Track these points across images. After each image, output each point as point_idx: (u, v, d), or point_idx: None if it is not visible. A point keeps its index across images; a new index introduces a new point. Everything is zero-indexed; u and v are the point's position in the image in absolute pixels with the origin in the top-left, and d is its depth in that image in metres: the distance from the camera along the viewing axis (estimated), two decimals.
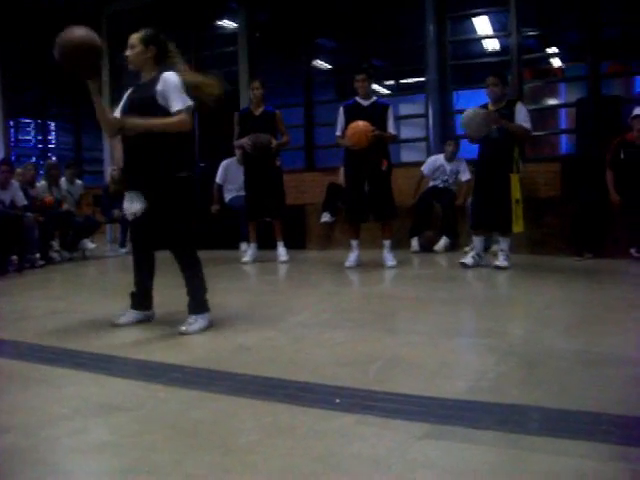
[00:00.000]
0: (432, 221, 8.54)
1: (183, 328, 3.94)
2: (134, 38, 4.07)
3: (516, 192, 6.36)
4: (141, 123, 3.92)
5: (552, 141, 11.46)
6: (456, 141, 8.81)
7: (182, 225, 4.05)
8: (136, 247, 4.37)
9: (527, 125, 6.36)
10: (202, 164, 9.98)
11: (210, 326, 4.04)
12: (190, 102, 3.96)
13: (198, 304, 4.06)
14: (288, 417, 2.48)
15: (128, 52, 4.08)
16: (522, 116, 6.34)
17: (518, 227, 6.40)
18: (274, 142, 7.38)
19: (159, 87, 3.93)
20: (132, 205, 4.02)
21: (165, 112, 3.92)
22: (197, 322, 3.99)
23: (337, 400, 2.62)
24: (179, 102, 3.91)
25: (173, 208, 3.99)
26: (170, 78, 3.95)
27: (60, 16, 12.24)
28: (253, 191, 7.60)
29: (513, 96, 8.00)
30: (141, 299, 4.34)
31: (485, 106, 6.52)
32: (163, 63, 4.08)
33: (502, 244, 6.51)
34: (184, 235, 4.07)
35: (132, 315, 4.32)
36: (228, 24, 12.12)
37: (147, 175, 3.99)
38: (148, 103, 3.95)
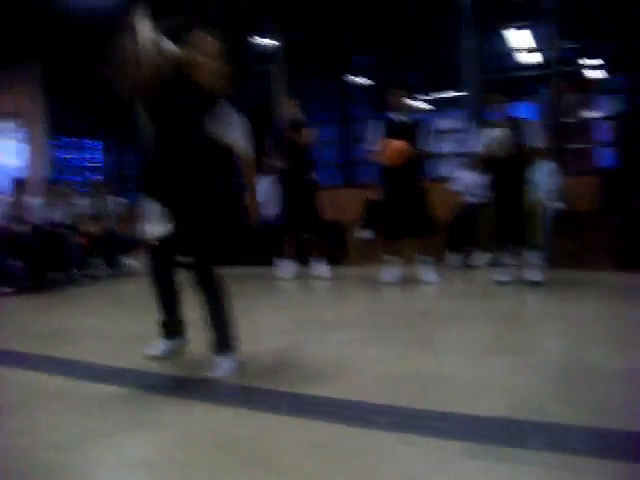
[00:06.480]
0: (471, 236, 8.47)
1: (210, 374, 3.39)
2: None
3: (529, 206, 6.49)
4: None
5: (591, 154, 11.31)
6: None
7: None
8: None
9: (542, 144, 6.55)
10: None
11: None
12: None
13: (223, 342, 3.48)
14: (328, 435, 2.47)
15: None
16: (536, 135, 6.43)
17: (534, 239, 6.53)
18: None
19: None
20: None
21: None
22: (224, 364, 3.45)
23: (378, 419, 2.60)
24: None
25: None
26: None
27: (103, 38, 12.53)
28: (290, 206, 7.61)
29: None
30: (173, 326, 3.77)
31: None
32: None
33: (531, 258, 6.52)
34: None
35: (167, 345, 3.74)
36: (265, 42, 12.19)
37: None
38: None
